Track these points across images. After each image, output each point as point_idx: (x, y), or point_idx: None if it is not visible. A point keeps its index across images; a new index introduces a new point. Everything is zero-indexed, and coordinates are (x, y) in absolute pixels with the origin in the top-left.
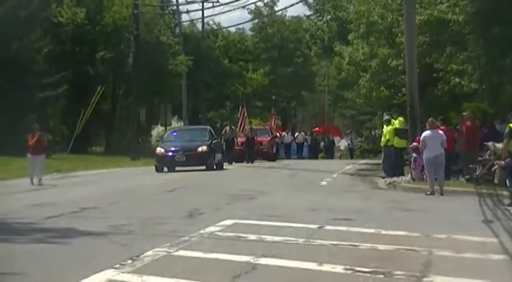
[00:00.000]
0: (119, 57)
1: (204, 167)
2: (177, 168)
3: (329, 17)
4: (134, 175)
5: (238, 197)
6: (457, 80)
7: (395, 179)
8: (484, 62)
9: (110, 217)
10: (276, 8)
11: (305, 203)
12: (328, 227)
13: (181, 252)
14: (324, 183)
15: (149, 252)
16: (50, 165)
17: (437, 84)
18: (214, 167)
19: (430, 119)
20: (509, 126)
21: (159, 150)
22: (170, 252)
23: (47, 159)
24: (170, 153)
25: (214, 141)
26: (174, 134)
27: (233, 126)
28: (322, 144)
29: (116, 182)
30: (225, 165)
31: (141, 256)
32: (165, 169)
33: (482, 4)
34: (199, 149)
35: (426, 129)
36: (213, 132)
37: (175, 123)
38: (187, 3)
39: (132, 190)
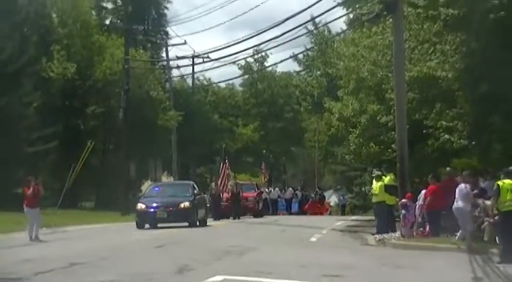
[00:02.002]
0: (109, 112)
1: (186, 224)
2: (159, 225)
3: (319, 72)
4: (124, 231)
5: (228, 253)
6: (446, 136)
7: (385, 235)
8: (473, 119)
9: (100, 273)
10: (266, 64)
11: (295, 259)
12: None
13: None
14: (313, 239)
15: None
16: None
17: (427, 140)
18: (197, 224)
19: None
20: (498, 184)
21: (140, 206)
22: None
23: None
24: (152, 210)
25: (197, 197)
26: (156, 189)
27: (218, 182)
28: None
29: (106, 237)
30: (212, 221)
31: None
32: (147, 226)
33: (471, 61)
34: (182, 205)
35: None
36: (196, 187)
37: (165, 178)
38: (178, 58)
39: (121, 246)
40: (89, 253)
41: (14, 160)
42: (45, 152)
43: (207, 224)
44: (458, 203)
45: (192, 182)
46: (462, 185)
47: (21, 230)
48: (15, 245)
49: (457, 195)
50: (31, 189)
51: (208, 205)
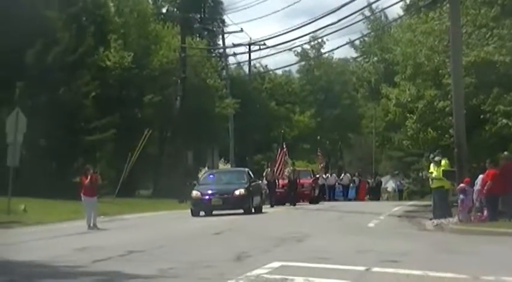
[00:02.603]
0: (166, 101)
1: (241, 211)
2: (214, 212)
3: (375, 59)
4: (181, 218)
5: (285, 240)
6: (504, 121)
7: (442, 220)
8: None
9: (158, 260)
10: (323, 50)
11: (352, 245)
12: (375, 269)
13: None
14: (371, 225)
15: None
16: (97, 208)
17: (485, 125)
18: (253, 211)
19: None
20: None
21: (195, 193)
22: None
23: None
24: (206, 197)
25: (252, 184)
26: (211, 176)
27: (274, 168)
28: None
29: (164, 225)
30: (267, 208)
31: None
32: (202, 213)
33: None
34: (237, 192)
35: None
36: (251, 174)
37: (222, 166)
38: (234, 46)
39: (179, 233)
40: (146, 241)
41: (72, 150)
42: (102, 141)
43: (263, 211)
44: None
45: (247, 169)
46: None
47: (79, 218)
48: (73, 234)
49: None
50: (88, 178)
51: (264, 192)
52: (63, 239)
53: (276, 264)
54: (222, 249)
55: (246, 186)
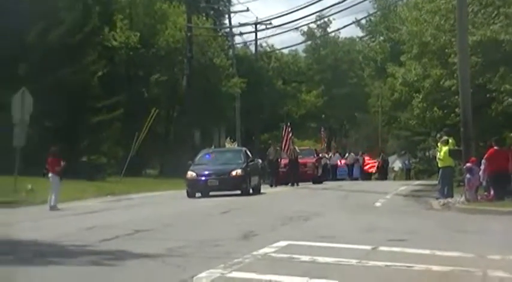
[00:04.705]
0: (173, 80)
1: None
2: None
3: (382, 38)
4: (188, 198)
5: (292, 219)
6: (510, 100)
7: (449, 199)
8: None
9: (165, 239)
10: (329, 30)
11: (359, 224)
12: (382, 248)
13: (235, 274)
14: (378, 204)
15: (203, 274)
16: (103, 188)
17: (491, 104)
18: (251, 191)
19: None
20: None
21: (190, 174)
22: (224, 274)
23: (101, 182)
24: (202, 178)
25: (250, 164)
26: (207, 156)
27: (277, 147)
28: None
29: (171, 204)
30: (267, 188)
31: (195, 278)
32: (198, 194)
33: None
34: (234, 173)
35: None
36: (249, 153)
37: (228, 145)
38: (240, 25)
39: (186, 212)
40: (153, 220)
41: (80, 129)
42: (110, 121)
43: (261, 191)
44: None
45: (244, 148)
46: None
47: (86, 198)
48: (81, 213)
49: None
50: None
51: (269, 171)
52: (70, 218)
53: (283, 243)
54: (229, 228)
55: (244, 166)
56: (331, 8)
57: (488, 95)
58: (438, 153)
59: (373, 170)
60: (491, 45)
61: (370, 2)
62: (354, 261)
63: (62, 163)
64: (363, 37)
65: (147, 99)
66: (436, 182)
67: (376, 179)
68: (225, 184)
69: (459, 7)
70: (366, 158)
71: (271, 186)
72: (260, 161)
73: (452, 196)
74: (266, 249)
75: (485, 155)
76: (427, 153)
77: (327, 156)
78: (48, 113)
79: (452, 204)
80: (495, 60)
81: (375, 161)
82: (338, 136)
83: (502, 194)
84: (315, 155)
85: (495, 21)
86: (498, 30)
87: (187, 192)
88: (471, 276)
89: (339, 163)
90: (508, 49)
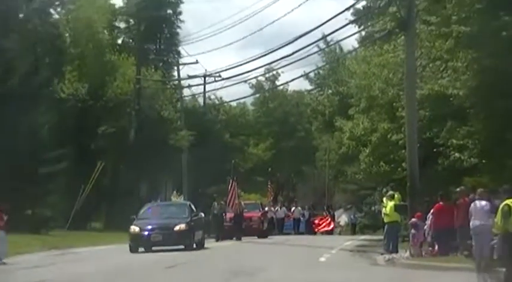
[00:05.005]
0: (121, 132)
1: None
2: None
3: (330, 91)
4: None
5: (237, 274)
6: (457, 155)
7: (394, 255)
8: (484, 137)
9: None
10: (278, 82)
11: (304, 278)
12: None
13: None
14: (322, 259)
15: None
16: (48, 241)
17: (438, 159)
18: (194, 246)
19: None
20: (508, 205)
21: (133, 228)
22: None
23: (46, 235)
24: (145, 233)
25: (194, 218)
26: (151, 210)
27: (222, 202)
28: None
29: (114, 258)
30: (212, 242)
31: None
32: (141, 249)
33: (484, 78)
34: (177, 228)
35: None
36: (193, 207)
37: (175, 199)
38: (189, 77)
39: (130, 267)
40: (98, 275)
41: (27, 180)
42: (57, 172)
43: (205, 246)
44: (476, 221)
45: (188, 202)
46: (482, 202)
47: (31, 252)
48: (26, 267)
49: (473, 213)
50: None
51: (214, 225)
52: (18, 273)
53: None
54: None
55: (188, 220)
56: (280, 60)
57: (435, 150)
58: (384, 208)
59: (328, 227)
60: (439, 99)
61: (318, 54)
62: None
63: (5, 217)
64: (311, 90)
65: (94, 151)
66: (382, 237)
67: (322, 233)
68: (168, 239)
69: (407, 61)
70: (316, 221)
71: (217, 240)
72: (203, 214)
73: (397, 251)
74: None
75: (432, 210)
76: (373, 208)
77: (273, 209)
78: None
79: (397, 260)
80: (443, 114)
81: (327, 219)
82: (285, 190)
83: (446, 249)
84: (261, 209)
85: (443, 76)
86: (446, 85)
87: (129, 247)
88: None
89: (285, 217)
90: (456, 103)
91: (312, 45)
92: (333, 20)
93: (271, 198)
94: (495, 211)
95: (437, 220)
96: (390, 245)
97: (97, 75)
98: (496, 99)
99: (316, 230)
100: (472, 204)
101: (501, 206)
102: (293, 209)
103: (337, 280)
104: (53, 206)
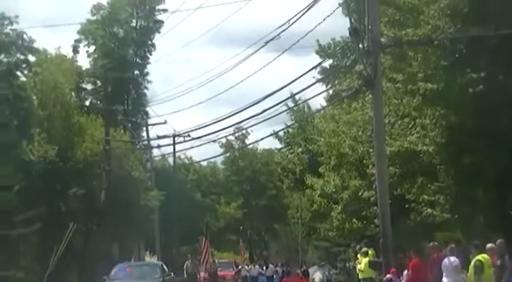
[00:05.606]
0: (91, 193)
1: None
2: None
3: (300, 149)
4: None
5: None
6: (429, 210)
7: None
8: (454, 193)
9: None
10: (247, 141)
11: None
12: None
13: None
14: None
15: None
16: None
17: (410, 214)
18: None
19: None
20: (480, 260)
21: None
22: None
23: None
24: None
25: (166, 278)
26: (122, 271)
27: (195, 260)
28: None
29: None
30: None
31: None
32: None
33: (452, 135)
34: None
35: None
36: (165, 267)
37: (148, 258)
38: (159, 138)
39: None
40: None
41: None
42: (27, 235)
43: None
44: (448, 278)
45: (160, 263)
46: (451, 258)
47: None
48: None
49: (444, 270)
50: None
51: None
52: None
53: None
54: None
55: (160, 280)
56: (249, 120)
57: (406, 206)
58: (359, 265)
59: None
60: (409, 155)
61: (287, 113)
62: None
63: None
64: (281, 149)
65: (65, 213)
66: None
67: None
68: None
69: (376, 118)
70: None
71: None
72: (173, 274)
73: None
74: None
75: (410, 266)
76: (347, 264)
77: (247, 268)
78: None
79: None
80: (413, 170)
81: (300, 278)
82: (258, 248)
83: None
84: (234, 268)
85: (412, 132)
86: (415, 141)
87: None
88: None
89: (259, 275)
90: (426, 160)
91: (280, 104)
92: (300, 78)
93: (247, 256)
94: (465, 267)
95: (415, 275)
96: None
97: (65, 137)
98: (464, 155)
99: None
100: (444, 261)
101: (473, 261)
102: (266, 267)
103: None
104: (25, 269)
